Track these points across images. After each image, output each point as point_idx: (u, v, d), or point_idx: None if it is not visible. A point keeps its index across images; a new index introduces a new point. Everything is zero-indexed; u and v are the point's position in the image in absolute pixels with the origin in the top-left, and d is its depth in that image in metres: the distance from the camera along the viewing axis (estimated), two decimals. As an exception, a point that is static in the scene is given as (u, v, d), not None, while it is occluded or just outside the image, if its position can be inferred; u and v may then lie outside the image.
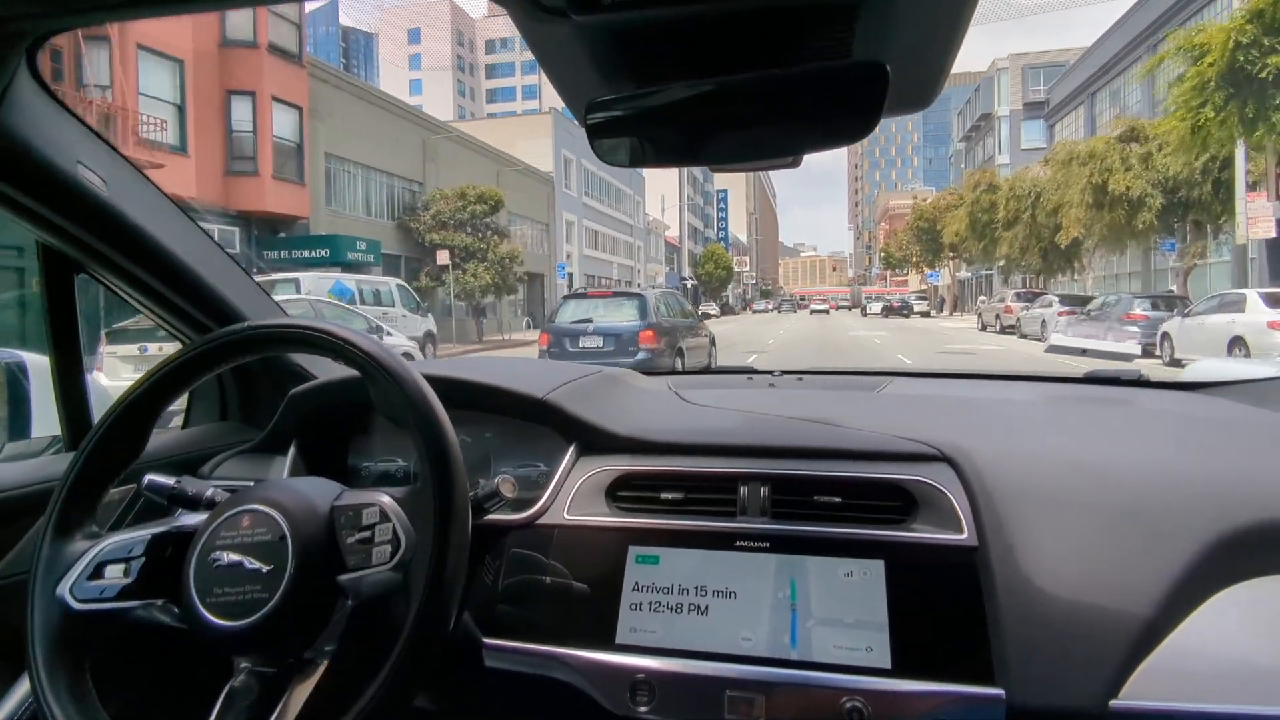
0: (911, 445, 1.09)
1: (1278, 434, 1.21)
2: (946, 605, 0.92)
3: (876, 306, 55.75)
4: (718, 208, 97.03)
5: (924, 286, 70.27)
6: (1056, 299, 22.40)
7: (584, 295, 11.01)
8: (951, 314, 54.93)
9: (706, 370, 2.45)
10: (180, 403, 1.45)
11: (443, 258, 25.01)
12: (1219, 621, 0.85)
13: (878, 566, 0.96)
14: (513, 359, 1.91)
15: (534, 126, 40.86)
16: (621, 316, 9.96)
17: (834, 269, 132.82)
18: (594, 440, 1.18)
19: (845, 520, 1.01)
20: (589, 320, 9.96)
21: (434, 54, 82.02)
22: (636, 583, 1.01)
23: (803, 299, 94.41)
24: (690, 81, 0.72)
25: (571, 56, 0.75)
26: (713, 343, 12.20)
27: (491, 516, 0.99)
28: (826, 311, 63.77)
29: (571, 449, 1.18)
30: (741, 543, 1.01)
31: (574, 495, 1.11)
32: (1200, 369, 1.97)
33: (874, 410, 1.37)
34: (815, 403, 1.42)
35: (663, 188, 69.71)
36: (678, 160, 0.81)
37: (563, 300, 10.96)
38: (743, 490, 1.06)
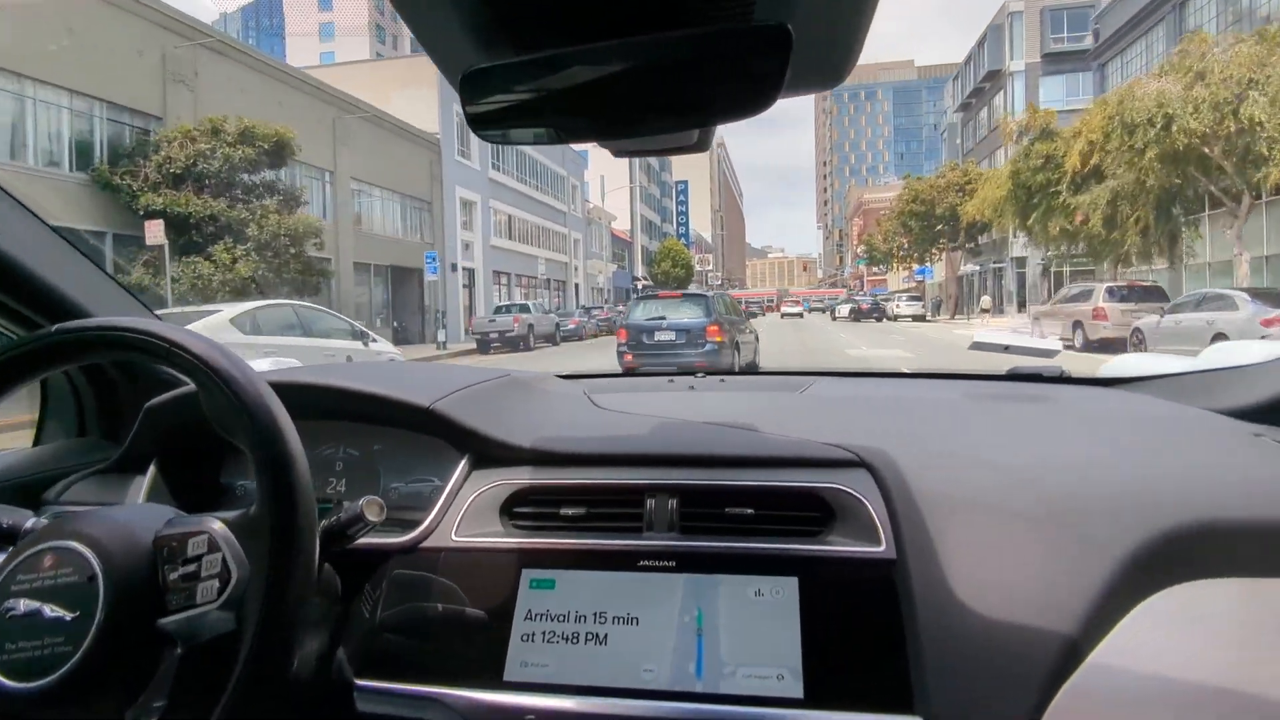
0: (829, 450, 1.02)
1: (1198, 430, 1.20)
2: (863, 625, 0.87)
3: (846, 309, 48.55)
4: (677, 200, 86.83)
5: (911, 284, 60.45)
6: (1246, 296, 12.36)
7: (654, 296, 12.08)
8: (954, 316, 44.85)
9: (630, 373, 2.14)
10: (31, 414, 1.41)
11: (153, 233, 14.20)
12: (1145, 633, 0.81)
13: (790, 584, 0.89)
14: (412, 364, 1.77)
15: (413, 72, 29.78)
16: (689, 314, 10.73)
17: (804, 269, 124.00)
18: (489, 452, 1.09)
19: (759, 533, 0.94)
20: (663, 317, 10.77)
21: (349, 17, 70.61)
22: (530, 610, 0.93)
23: (770, 300, 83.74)
24: (575, 48, 0.64)
25: (445, 21, 0.67)
26: (756, 339, 12.54)
27: (369, 540, 0.92)
28: (800, 315, 54.84)
29: (464, 462, 1.09)
30: (646, 562, 0.94)
31: (464, 513, 1.03)
32: (1118, 364, 1.78)
33: (795, 413, 1.33)
34: (735, 406, 1.38)
35: (607, 170, 59.31)
36: (565, 136, 0.74)
37: (634, 301, 11.99)
38: (649, 503, 0.98)
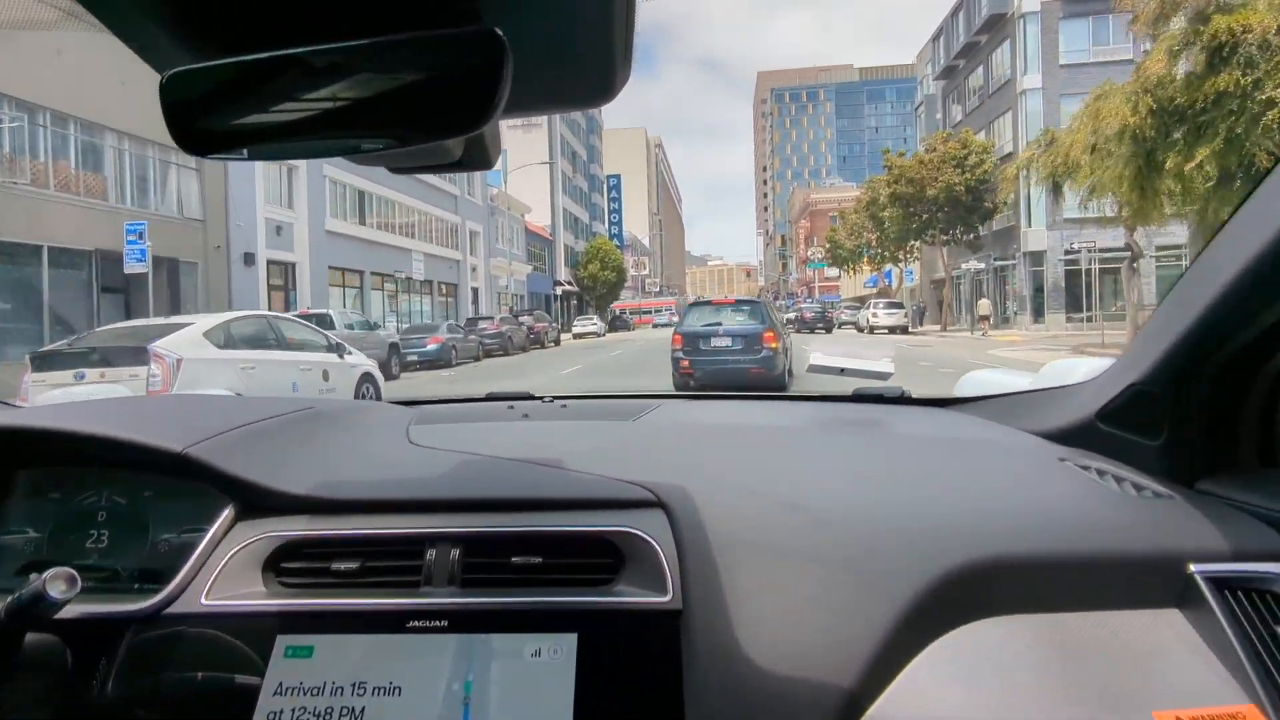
0: (627, 490, 0.98)
1: (1007, 456, 1.20)
2: (642, 684, 0.82)
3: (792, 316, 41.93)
4: (609, 196, 76.77)
5: (880, 289, 51.44)
6: None
7: (708, 302, 11.85)
8: (945, 327, 35.52)
9: (470, 399, 1.94)
10: None
11: None
12: (930, 679, 0.79)
13: (570, 643, 0.84)
14: (198, 398, 1.59)
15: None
16: (745, 320, 10.78)
17: (748, 274, 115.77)
18: (258, 499, 1.00)
19: (546, 585, 0.90)
20: (718, 323, 10.74)
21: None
22: (281, 684, 0.84)
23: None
24: (275, 52, 0.57)
25: (142, 15, 0.60)
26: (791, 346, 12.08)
27: (105, 607, 0.89)
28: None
29: (227, 512, 1.00)
30: (416, 623, 0.87)
31: (221, 572, 0.93)
32: (967, 381, 1.79)
33: (618, 445, 1.30)
34: (560, 438, 1.35)
35: (522, 153, 48.96)
36: (280, 151, 0.66)
37: (689, 307, 11.94)
38: (430, 554, 0.92)
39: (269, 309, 19.57)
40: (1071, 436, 1.24)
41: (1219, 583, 0.83)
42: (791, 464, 1.18)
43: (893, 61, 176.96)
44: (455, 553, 0.91)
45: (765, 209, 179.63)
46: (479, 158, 0.76)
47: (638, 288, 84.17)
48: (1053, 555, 0.87)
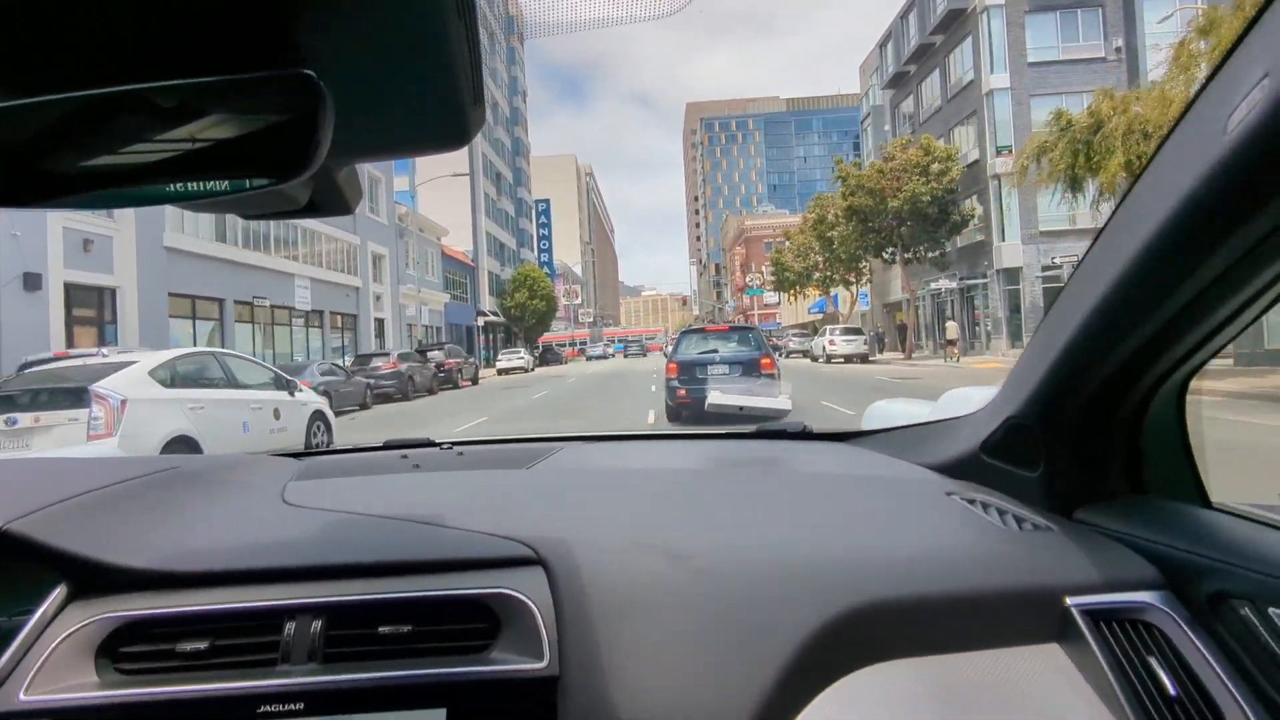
0: (505, 547, 0.95)
1: (898, 493, 1.20)
2: None
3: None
4: (538, 221, 72.27)
5: (826, 314, 48.11)
6: None
7: (701, 330, 11.68)
8: (909, 354, 31.94)
9: (364, 449, 1.83)
10: None
11: None
12: None
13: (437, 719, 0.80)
14: (31, 461, 1.44)
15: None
16: (741, 347, 10.81)
17: (684, 303, 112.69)
18: (95, 577, 0.91)
19: (416, 655, 0.84)
20: (714, 351, 10.71)
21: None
22: None
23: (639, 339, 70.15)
24: (92, 90, 0.52)
25: None
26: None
27: None
28: (640, 354, 42.91)
29: (57, 592, 0.90)
30: (269, 707, 0.79)
31: (46, 661, 0.83)
32: (872, 413, 1.81)
33: (507, 496, 1.24)
34: (444, 491, 1.28)
35: (439, 170, 44.30)
36: (92, 200, 0.59)
37: (680, 335, 11.61)
38: (288, 628, 0.85)
39: (70, 346, 14.36)
40: (960, 469, 1.26)
41: (1094, 615, 0.85)
42: (684, 510, 1.15)
43: (818, 93, 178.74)
44: (317, 625, 0.85)
45: (698, 238, 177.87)
46: (333, 202, 0.72)
47: (570, 318, 79.59)
48: (935, 595, 0.86)
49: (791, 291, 43.29)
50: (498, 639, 0.86)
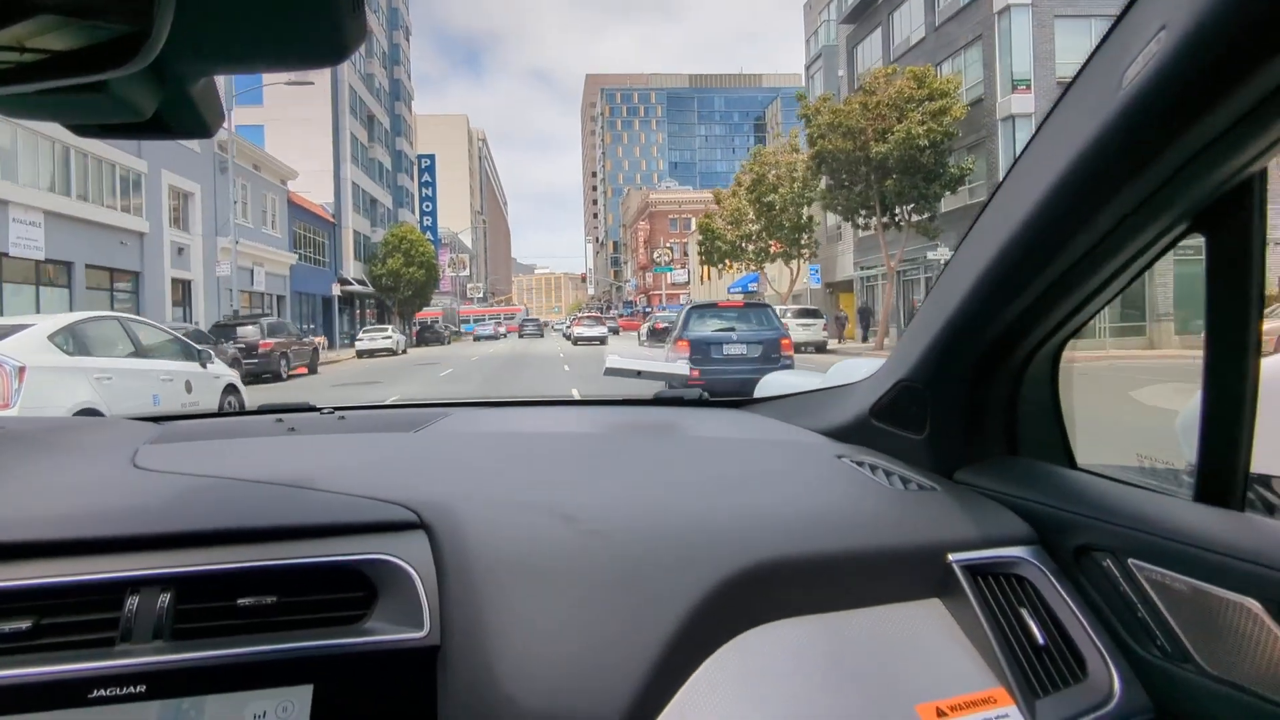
0: (384, 510, 0.89)
1: (790, 456, 1.21)
2: None
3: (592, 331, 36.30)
4: (420, 180, 62.59)
5: (750, 295, 41.52)
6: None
7: (714, 306, 10.99)
8: (881, 345, 25.50)
9: (234, 413, 1.75)
10: None
11: None
12: (709, 693, 0.75)
13: (303, 697, 0.74)
14: None
15: None
16: (759, 326, 10.14)
17: (583, 279, 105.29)
18: None
19: (281, 629, 0.77)
20: (731, 329, 10.06)
21: None
22: None
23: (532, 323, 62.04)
24: None
25: None
26: None
27: None
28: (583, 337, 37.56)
29: None
30: (104, 691, 0.71)
31: None
32: (767, 382, 1.81)
33: (393, 460, 1.17)
34: (320, 454, 1.20)
35: (294, 113, 34.70)
36: None
37: (689, 311, 10.69)
38: (130, 603, 0.76)
39: None
40: (850, 433, 1.29)
41: (972, 570, 0.88)
42: (575, 473, 1.12)
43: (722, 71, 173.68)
44: (164, 599, 0.77)
45: (595, 215, 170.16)
46: (186, 121, 0.65)
47: (456, 291, 70.35)
48: (825, 554, 0.87)
49: (725, 266, 36.38)
50: (374, 608, 0.80)
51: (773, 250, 33.87)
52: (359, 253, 44.26)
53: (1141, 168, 0.69)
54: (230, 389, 8.76)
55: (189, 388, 7.85)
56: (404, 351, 34.35)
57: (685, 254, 74.43)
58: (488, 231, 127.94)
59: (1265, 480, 0.80)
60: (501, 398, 1.83)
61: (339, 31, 0.54)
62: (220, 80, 0.68)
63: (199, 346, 8.52)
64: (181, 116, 0.63)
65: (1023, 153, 0.87)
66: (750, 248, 34.80)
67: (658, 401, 1.76)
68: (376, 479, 0.98)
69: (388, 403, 1.71)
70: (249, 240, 28.64)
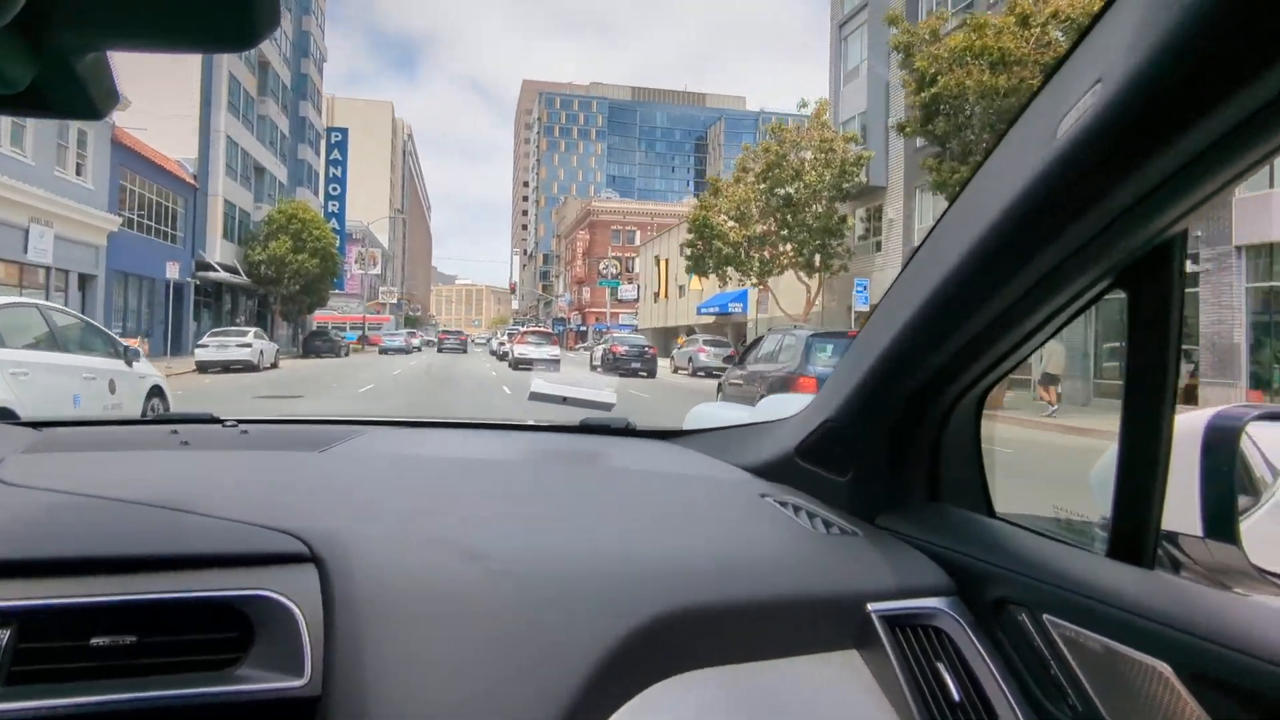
0: (267, 538, 0.80)
1: (715, 494, 1.17)
2: None
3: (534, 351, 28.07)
4: (328, 156, 51.87)
5: (718, 320, 33.10)
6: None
7: (842, 336, 9.68)
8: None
9: (127, 421, 1.62)
10: None
11: None
12: None
13: None
14: None
15: None
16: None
17: (512, 290, 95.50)
18: None
19: (140, 673, 0.69)
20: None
21: None
22: None
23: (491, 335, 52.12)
24: None
25: None
26: None
27: None
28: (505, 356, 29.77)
29: None
30: None
31: None
32: (695, 415, 1.78)
33: (283, 480, 1.06)
34: (210, 473, 1.09)
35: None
36: None
37: (811, 341, 9.24)
38: None
39: None
40: (776, 471, 1.26)
41: (890, 621, 0.85)
42: (489, 505, 1.04)
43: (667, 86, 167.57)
44: (3, 636, 0.67)
45: (524, 226, 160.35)
46: (70, 99, 0.59)
47: (366, 293, 59.39)
48: (745, 601, 0.83)
49: (722, 276, 27.60)
50: (249, 652, 0.72)
51: (786, 259, 25.35)
52: (232, 231, 33.54)
53: (1072, 221, 0.69)
54: (156, 391, 7.75)
55: (112, 388, 6.92)
56: (273, 365, 24.17)
57: (629, 269, 65.87)
58: (408, 233, 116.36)
59: (1173, 537, 0.78)
60: (420, 418, 1.76)
61: (247, 12, 0.50)
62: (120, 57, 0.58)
63: (125, 343, 7.61)
64: (64, 93, 0.57)
65: (956, 197, 0.85)
66: (756, 255, 26.20)
67: (584, 429, 1.68)
68: (268, 503, 0.90)
69: (298, 417, 1.66)
70: (25, 182, 18.20)
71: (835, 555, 0.95)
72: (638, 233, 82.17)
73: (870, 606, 0.85)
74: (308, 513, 0.87)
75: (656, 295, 54.79)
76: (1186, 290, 0.74)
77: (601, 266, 61.30)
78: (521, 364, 26.01)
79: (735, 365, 12.41)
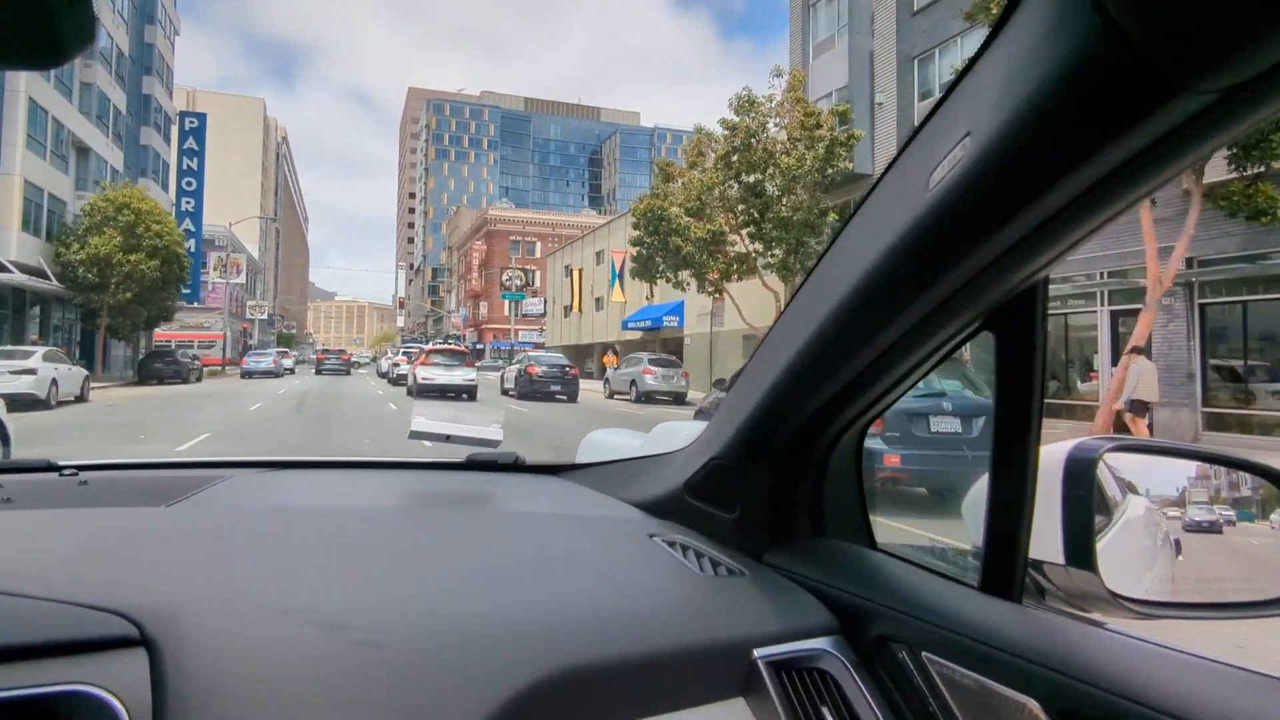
0: (89, 621, 0.68)
1: (600, 537, 1.12)
2: None
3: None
4: (182, 143, 43.74)
5: (647, 337, 28.43)
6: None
7: None
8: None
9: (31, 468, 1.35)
10: None
11: None
12: None
13: None
14: None
15: None
16: (969, 388, 6.62)
17: (401, 304, 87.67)
18: None
19: None
20: (940, 396, 6.45)
21: None
22: None
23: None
24: None
25: None
26: None
27: None
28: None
29: None
30: None
31: None
32: (588, 443, 1.71)
33: (120, 545, 0.92)
34: (30, 537, 0.93)
35: None
36: None
37: None
38: None
39: None
40: (665, 508, 1.23)
41: (777, 666, 0.83)
42: (357, 562, 0.94)
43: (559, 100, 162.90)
44: None
45: (411, 240, 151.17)
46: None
47: (232, 306, 50.94)
48: (626, 657, 0.78)
49: (677, 282, 22.69)
50: None
51: (756, 259, 20.85)
52: (36, 223, 25.88)
53: (944, 269, 0.70)
54: None
55: None
56: (79, 398, 17.43)
57: (530, 282, 60.28)
58: (282, 244, 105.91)
59: (1040, 566, 0.80)
60: (290, 457, 1.59)
61: (53, 26, 0.44)
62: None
63: None
64: None
65: (832, 242, 0.87)
66: (720, 256, 21.54)
67: (470, 466, 1.61)
68: (93, 576, 0.78)
69: (152, 460, 1.50)
70: None
71: (722, 599, 0.92)
72: (538, 244, 76.55)
73: (756, 652, 0.83)
74: (141, 586, 0.76)
75: (568, 309, 49.45)
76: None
77: (505, 278, 55.39)
78: (427, 392, 20.14)
79: (726, 390, 7.85)
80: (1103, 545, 0.81)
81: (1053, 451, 0.81)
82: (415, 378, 21.45)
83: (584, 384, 27.05)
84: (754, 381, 1.01)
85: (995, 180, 0.61)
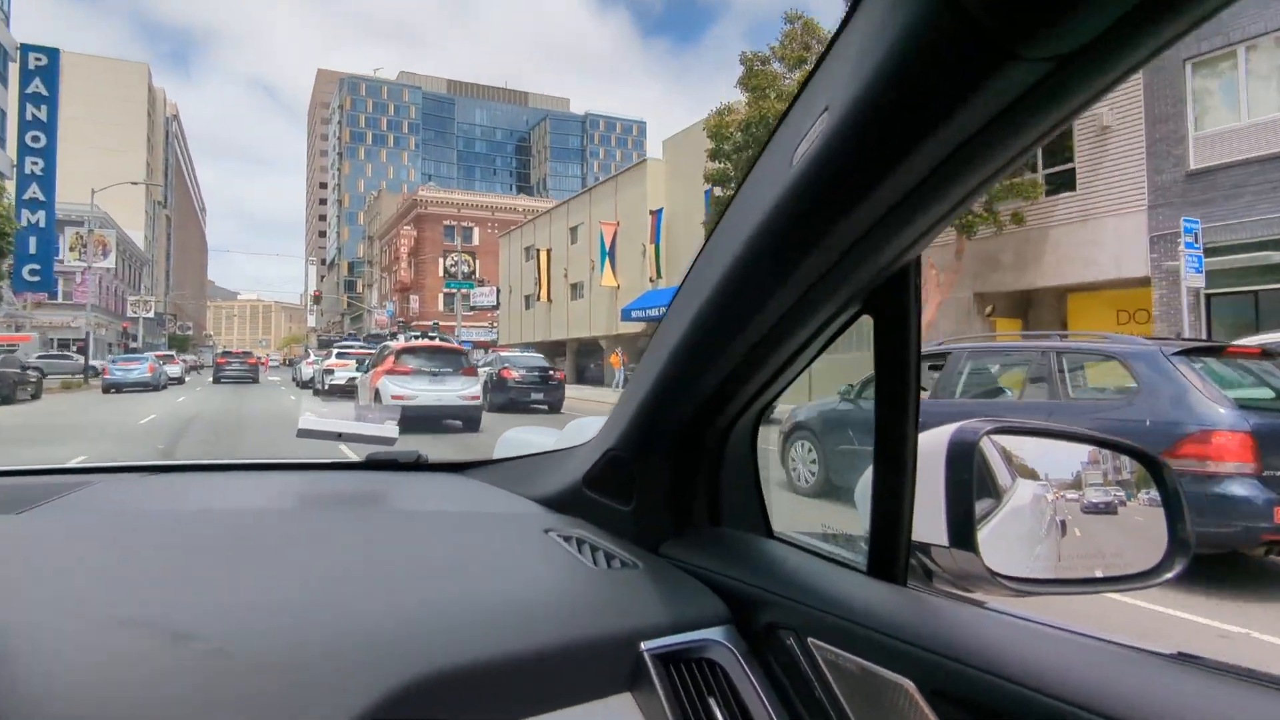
0: None
1: (496, 534, 1.11)
2: None
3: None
4: (23, 85, 33.22)
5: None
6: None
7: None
8: None
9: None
10: None
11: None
12: None
13: None
14: None
15: None
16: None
17: (316, 299, 76.88)
18: None
19: None
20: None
21: None
22: None
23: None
24: None
25: None
26: None
27: None
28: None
29: None
30: None
31: None
32: (503, 442, 1.65)
33: None
34: None
35: None
36: None
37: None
38: None
39: None
40: (564, 502, 1.22)
41: (664, 658, 0.81)
42: (218, 570, 0.88)
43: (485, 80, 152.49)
44: None
45: (322, 233, 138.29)
46: None
47: (110, 302, 40.17)
48: (508, 655, 0.75)
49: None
50: None
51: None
52: None
53: (812, 247, 0.70)
54: None
55: None
56: None
57: (474, 271, 51.56)
58: (174, 234, 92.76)
59: (926, 549, 0.80)
60: (170, 462, 1.48)
61: None
62: None
63: None
64: None
65: (714, 225, 0.85)
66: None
67: (369, 465, 1.55)
68: None
69: (13, 467, 1.40)
70: None
71: (612, 592, 0.91)
72: (475, 229, 67.40)
73: (644, 645, 0.81)
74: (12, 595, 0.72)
75: (531, 299, 40.97)
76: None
77: (449, 263, 46.33)
78: (410, 423, 11.85)
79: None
80: (990, 527, 0.81)
81: (936, 435, 0.81)
82: (380, 395, 13.01)
83: (571, 390, 21.42)
84: (646, 371, 0.98)
85: (852, 153, 0.60)
